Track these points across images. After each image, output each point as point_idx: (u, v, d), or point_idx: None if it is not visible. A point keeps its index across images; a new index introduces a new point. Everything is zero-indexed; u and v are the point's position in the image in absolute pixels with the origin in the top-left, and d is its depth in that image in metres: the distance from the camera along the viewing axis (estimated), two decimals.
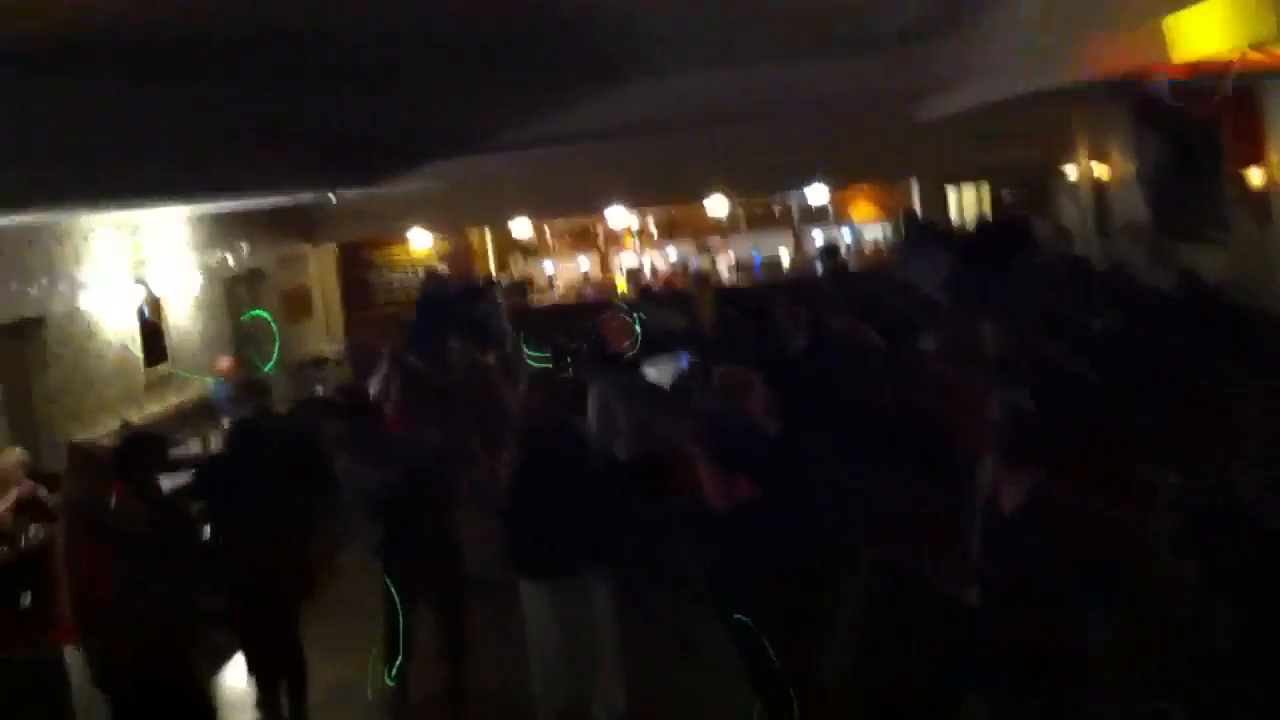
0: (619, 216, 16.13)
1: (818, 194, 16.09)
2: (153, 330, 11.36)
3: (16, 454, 8.25)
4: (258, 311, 12.78)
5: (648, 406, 7.73)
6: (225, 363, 11.49)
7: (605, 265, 17.30)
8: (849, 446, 4.85)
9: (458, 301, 13.20)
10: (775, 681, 4.71)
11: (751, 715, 4.74)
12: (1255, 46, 4.65)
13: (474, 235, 17.23)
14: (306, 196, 12.52)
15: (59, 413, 9.71)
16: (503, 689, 6.58)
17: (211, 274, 12.68)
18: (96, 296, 10.30)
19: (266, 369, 11.83)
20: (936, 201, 16.15)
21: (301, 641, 6.60)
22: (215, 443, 10.05)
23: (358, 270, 16.85)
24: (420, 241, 16.28)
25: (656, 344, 11.00)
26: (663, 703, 6.31)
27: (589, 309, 14.96)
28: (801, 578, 4.39)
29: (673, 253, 17.11)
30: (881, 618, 3.56)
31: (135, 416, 10.46)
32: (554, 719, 5.94)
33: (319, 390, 13.41)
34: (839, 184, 16.20)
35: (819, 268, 15.44)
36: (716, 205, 15.98)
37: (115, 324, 10.62)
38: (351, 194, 13.04)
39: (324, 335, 16.18)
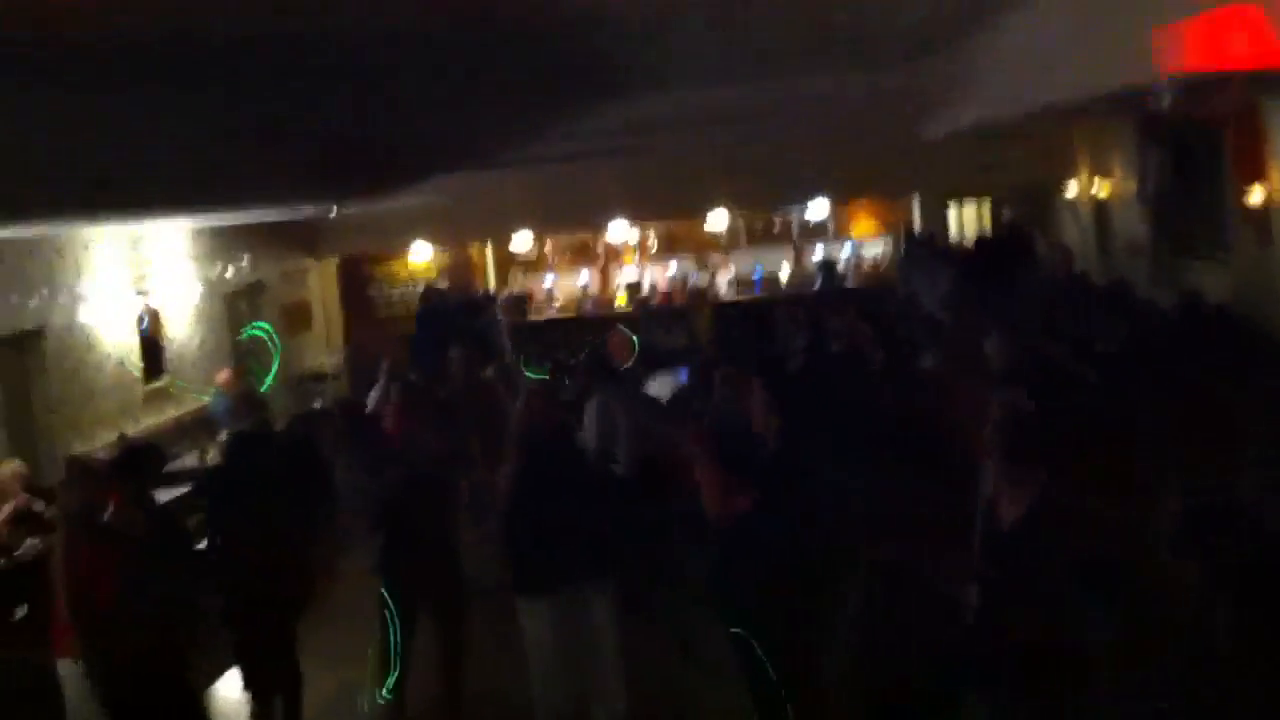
0: (620, 231, 16.15)
1: (819, 210, 16.12)
2: (152, 343, 11.35)
3: (14, 466, 8.24)
4: (258, 324, 12.76)
5: (648, 415, 7.77)
6: (224, 375, 11.48)
7: (605, 280, 17.30)
8: (849, 447, 4.84)
9: (457, 315, 13.22)
10: (770, 689, 4.70)
11: (751, 716, 4.72)
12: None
13: (474, 249, 17.24)
14: (308, 210, 12.53)
15: (57, 424, 9.69)
16: (501, 693, 6.56)
17: (211, 287, 12.68)
18: (96, 309, 10.29)
19: (266, 384, 11.84)
20: (937, 218, 16.17)
21: (297, 653, 6.58)
22: (214, 455, 10.03)
23: (358, 284, 16.85)
24: (421, 255, 16.28)
25: (656, 360, 11.03)
26: (663, 703, 6.30)
27: (588, 324, 15.02)
28: (801, 578, 4.38)
29: (673, 267, 17.10)
30: (881, 618, 3.55)
31: (133, 429, 10.45)
32: None
33: (318, 404, 13.42)
34: (840, 200, 16.22)
35: (818, 282, 15.52)
36: (717, 220, 16.01)
37: (114, 336, 10.60)
38: (353, 208, 13.06)
39: (324, 349, 16.18)
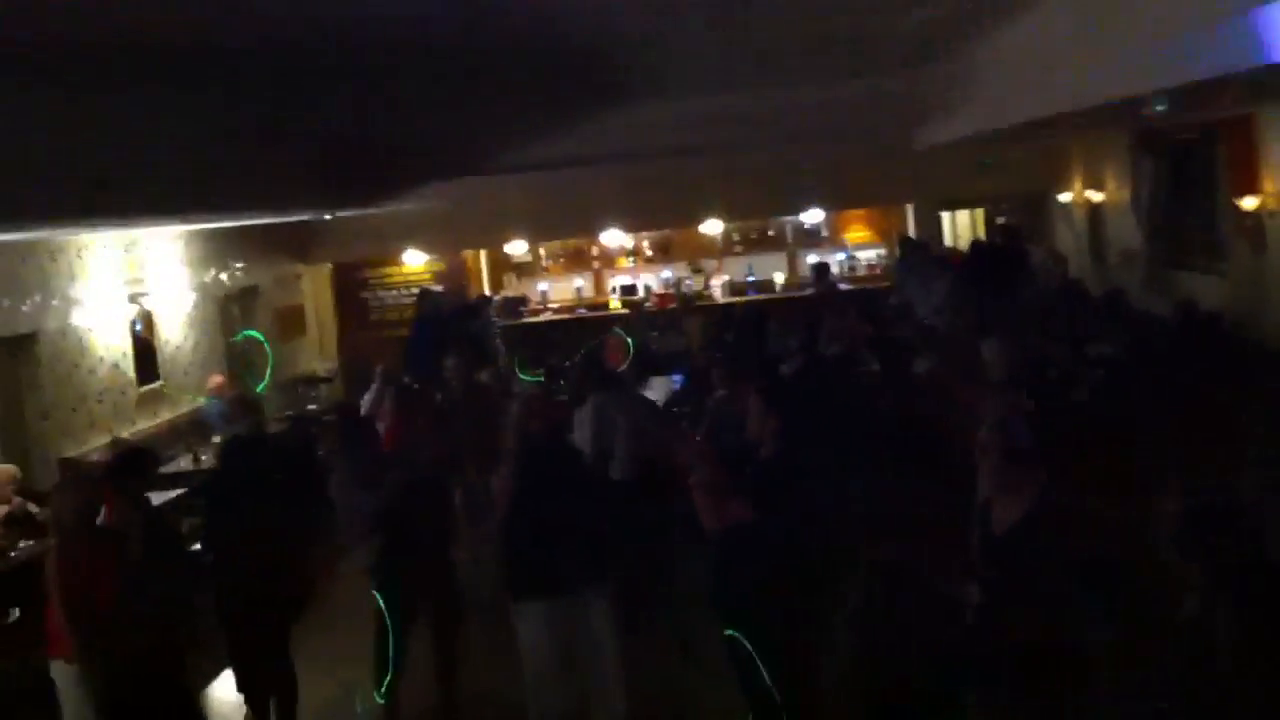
0: (615, 236, 16.18)
1: (813, 218, 16.17)
2: (145, 347, 11.32)
3: (7, 469, 8.23)
4: (250, 332, 12.74)
5: (644, 419, 7.78)
6: (218, 380, 11.46)
7: (600, 286, 17.32)
8: (845, 449, 4.85)
9: (452, 320, 13.21)
10: (766, 692, 4.70)
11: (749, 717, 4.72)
12: None
13: (469, 255, 17.24)
14: (303, 215, 12.52)
15: (51, 429, 9.66)
16: (497, 696, 6.55)
17: (205, 291, 12.66)
18: (89, 313, 10.26)
19: (259, 389, 11.81)
20: (932, 226, 16.21)
21: (292, 656, 6.56)
22: (208, 459, 10.01)
23: (352, 289, 16.84)
24: (415, 261, 16.29)
25: (651, 364, 11.05)
26: (663, 703, 6.29)
27: (583, 327, 15.02)
28: (799, 580, 4.38)
29: (667, 274, 17.12)
30: (881, 618, 3.54)
31: (127, 433, 10.41)
32: None
33: (313, 407, 13.41)
34: (835, 208, 16.26)
35: (811, 287, 15.55)
36: (712, 228, 16.05)
37: (108, 340, 10.57)
38: (348, 213, 13.05)
39: (318, 354, 16.16)
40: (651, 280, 17.08)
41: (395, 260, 16.40)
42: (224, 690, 7.15)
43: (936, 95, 10.95)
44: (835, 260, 16.53)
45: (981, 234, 16.55)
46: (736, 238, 17.01)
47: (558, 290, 17.25)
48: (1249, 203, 9.49)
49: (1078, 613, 3.56)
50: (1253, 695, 3.32)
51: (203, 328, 12.56)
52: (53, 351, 9.80)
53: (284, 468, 7.32)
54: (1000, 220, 16.38)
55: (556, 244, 17.27)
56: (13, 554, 7.65)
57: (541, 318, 16.67)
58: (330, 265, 16.55)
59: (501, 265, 17.46)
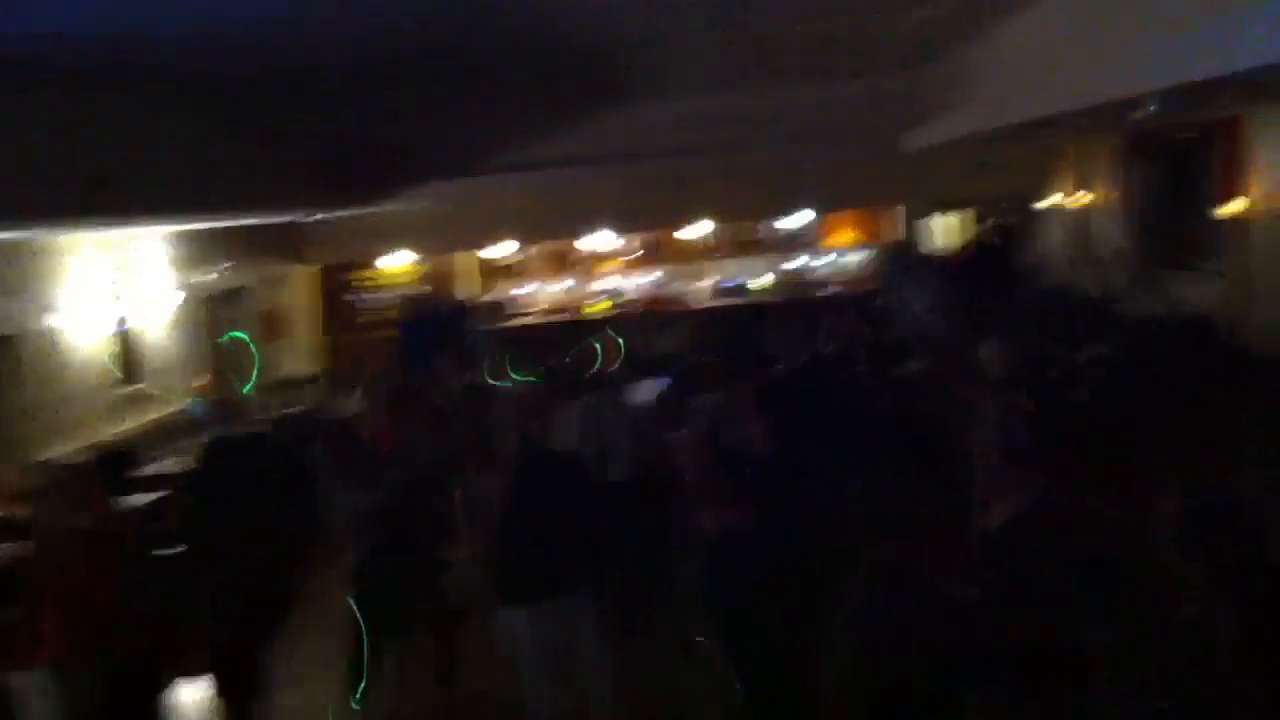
0: (603, 238, 16.15)
1: (803, 220, 16.16)
2: (130, 347, 11.24)
3: None
4: (236, 333, 12.67)
5: (634, 420, 7.75)
6: (203, 380, 11.39)
7: (587, 287, 17.28)
8: (837, 450, 4.82)
9: (442, 322, 13.17)
10: (763, 693, 4.66)
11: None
12: None
13: (457, 256, 17.19)
14: (294, 215, 12.47)
15: (34, 429, 9.58)
16: (498, 696, 6.51)
17: (191, 291, 12.58)
18: (73, 313, 10.18)
19: (245, 390, 11.74)
20: (922, 228, 16.21)
21: (273, 659, 6.50)
22: (192, 460, 9.92)
23: (339, 290, 16.77)
24: (403, 262, 16.23)
25: (640, 366, 11.00)
26: (663, 704, 6.29)
27: (571, 329, 14.97)
28: (797, 580, 4.34)
29: (655, 276, 17.09)
30: (881, 618, 3.50)
31: (110, 433, 10.33)
32: None
33: (298, 409, 13.32)
34: (825, 210, 16.26)
35: (802, 288, 15.57)
36: (701, 230, 16.03)
37: (92, 341, 10.49)
38: (337, 215, 13.00)
39: (304, 355, 16.09)
40: (640, 282, 17.05)
41: (383, 262, 16.34)
42: (203, 692, 7.06)
43: (927, 97, 10.95)
44: (826, 262, 16.56)
45: (970, 236, 16.54)
46: (725, 239, 16.97)
47: (546, 292, 17.20)
48: (1238, 204, 9.50)
49: (1078, 613, 3.54)
50: (1253, 695, 3.30)
51: (188, 328, 12.47)
52: (35, 352, 9.71)
53: (269, 469, 7.26)
54: (991, 221, 16.37)
55: (545, 246, 17.23)
56: None
57: (531, 319, 16.63)
58: (317, 266, 16.48)
59: (489, 267, 17.41)
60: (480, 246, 16.67)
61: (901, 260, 13.35)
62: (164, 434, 11.00)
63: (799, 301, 14.57)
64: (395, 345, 13.27)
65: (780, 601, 4.50)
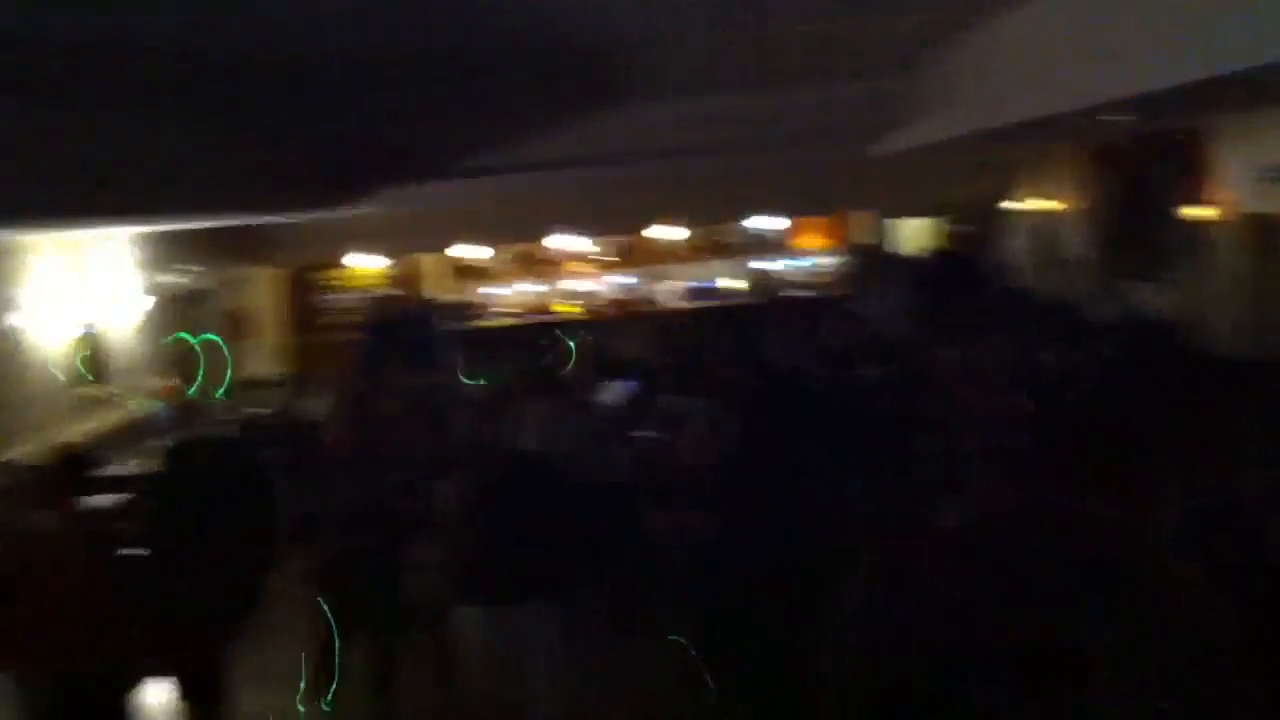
0: (570, 241, 16.15)
1: (769, 224, 16.22)
2: (93, 349, 11.07)
3: None
4: (204, 335, 12.52)
5: (597, 424, 7.73)
6: (167, 383, 11.24)
7: (553, 290, 17.26)
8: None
9: (405, 325, 13.09)
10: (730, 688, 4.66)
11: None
12: None
13: (424, 259, 17.11)
14: (264, 217, 12.36)
15: None
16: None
17: (155, 293, 12.41)
18: (36, 313, 10.00)
19: (219, 394, 11.61)
20: (889, 234, 16.31)
21: (234, 663, 6.40)
22: (154, 463, 9.78)
23: (305, 292, 16.64)
24: (369, 264, 16.13)
25: (604, 369, 10.98)
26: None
27: (536, 332, 14.95)
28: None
29: (621, 279, 17.09)
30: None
31: (73, 435, 10.15)
32: None
33: (263, 411, 13.18)
34: (792, 215, 16.32)
35: (767, 293, 15.61)
36: (667, 234, 16.05)
37: (54, 342, 10.31)
38: (302, 217, 12.89)
39: (269, 357, 15.94)
40: (611, 284, 17.03)
41: (349, 264, 16.24)
42: (163, 696, 6.95)
43: (897, 103, 11.01)
44: (792, 267, 16.64)
45: (934, 242, 16.67)
46: (696, 242, 17.01)
47: (512, 295, 17.14)
48: (1199, 212, 9.62)
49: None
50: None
51: (152, 330, 12.31)
52: None
53: (232, 471, 7.16)
54: (955, 227, 16.51)
55: (514, 248, 17.20)
56: None
57: (499, 321, 16.58)
58: (283, 268, 16.34)
59: (455, 270, 17.34)
60: (445, 249, 16.62)
61: (870, 264, 13.41)
62: (129, 435, 10.85)
63: (770, 303, 14.60)
64: (362, 347, 13.17)
65: (753, 602, 4.50)
